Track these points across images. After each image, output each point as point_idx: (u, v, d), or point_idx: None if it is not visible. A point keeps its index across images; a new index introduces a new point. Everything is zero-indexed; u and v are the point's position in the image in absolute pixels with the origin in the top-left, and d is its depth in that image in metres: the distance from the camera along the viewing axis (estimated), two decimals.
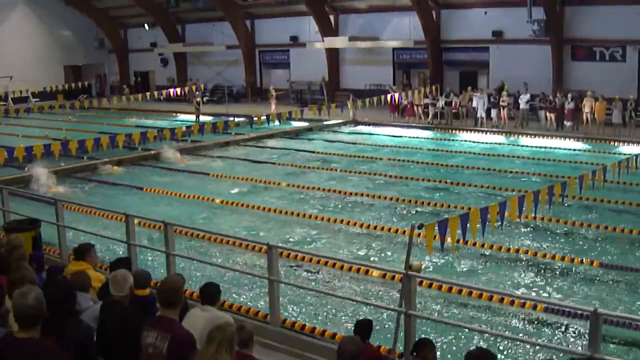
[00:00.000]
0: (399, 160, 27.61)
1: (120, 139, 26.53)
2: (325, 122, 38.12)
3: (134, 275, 7.65)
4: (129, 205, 19.50)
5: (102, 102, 43.52)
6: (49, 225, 13.61)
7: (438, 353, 8.80)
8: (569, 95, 33.28)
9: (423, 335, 9.38)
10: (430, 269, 14.48)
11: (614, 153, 27.80)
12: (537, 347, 10.76)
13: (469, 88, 37.54)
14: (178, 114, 45.85)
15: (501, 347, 10.81)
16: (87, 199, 21.34)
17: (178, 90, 43.92)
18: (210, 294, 7.42)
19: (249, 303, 12.81)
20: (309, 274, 14.66)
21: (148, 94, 44.28)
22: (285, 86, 48.51)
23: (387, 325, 11.41)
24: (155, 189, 23.03)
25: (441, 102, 37.01)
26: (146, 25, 56.61)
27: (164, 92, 43.89)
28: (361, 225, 18.10)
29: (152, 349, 6.31)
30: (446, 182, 23.13)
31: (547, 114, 33.88)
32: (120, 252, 13.95)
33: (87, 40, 59.69)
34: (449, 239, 11.64)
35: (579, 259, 14.94)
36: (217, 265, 14.31)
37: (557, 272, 14.47)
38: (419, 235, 11.34)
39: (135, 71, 60.57)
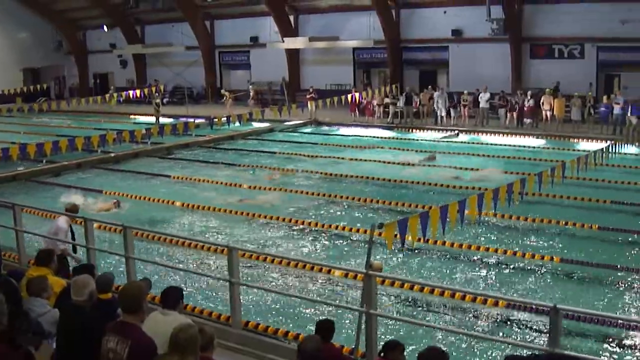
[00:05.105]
0: (359, 159, 27.66)
1: (79, 141, 26.27)
2: (286, 123, 38.14)
3: (96, 279, 7.61)
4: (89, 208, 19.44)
5: (61, 104, 43.06)
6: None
7: None
8: (528, 93, 33.64)
9: (384, 334, 9.39)
10: (392, 266, 14.54)
11: (573, 150, 28.09)
12: (499, 344, 10.83)
13: (429, 87, 37.82)
14: (137, 116, 45.49)
15: (462, 344, 10.86)
16: (46, 203, 21.04)
17: (137, 92, 43.56)
18: (172, 297, 7.37)
19: (210, 306, 12.72)
20: (271, 275, 14.64)
21: (107, 95, 43.93)
22: (246, 87, 48.37)
23: (349, 325, 11.42)
24: (115, 192, 22.79)
25: (401, 102, 37.14)
26: (105, 27, 56.08)
27: (123, 94, 43.51)
28: (322, 226, 18.11)
29: (112, 355, 6.26)
30: (407, 182, 23.22)
31: (507, 112, 34.22)
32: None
33: (45, 42, 58.89)
34: (409, 238, 11.65)
35: (540, 255, 15.10)
36: (177, 268, 14.23)
37: (518, 269, 14.59)
38: (379, 234, 11.36)
39: (94, 73, 59.96)
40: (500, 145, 30.59)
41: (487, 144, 31.21)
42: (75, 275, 7.97)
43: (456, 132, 33.40)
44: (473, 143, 31.53)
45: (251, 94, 46.13)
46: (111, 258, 14.67)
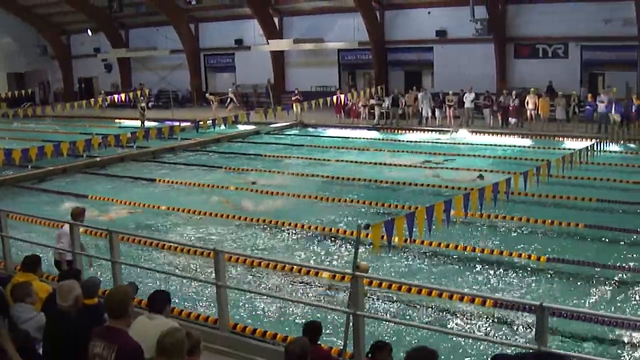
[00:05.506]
0: (345, 161, 27.68)
1: (65, 147, 26.15)
2: (271, 125, 38.14)
3: (81, 284, 7.58)
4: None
5: (46, 109, 42.88)
6: None
7: None
8: (513, 93, 33.76)
9: (369, 335, 9.38)
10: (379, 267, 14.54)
11: (558, 148, 28.19)
12: (486, 343, 10.84)
13: (414, 87, 37.90)
14: (123, 120, 45.30)
15: (450, 344, 10.87)
16: (32, 208, 20.92)
17: (123, 96, 43.42)
18: (158, 301, 7.32)
19: (203, 310, 12.69)
20: (258, 278, 14.61)
21: (92, 100, 43.74)
22: (231, 90, 48.30)
23: (337, 326, 11.41)
24: (101, 196, 22.70)
25: (387, 103, 37.19)
26: (89, 31, 55.89)
27: (108, 98, 43.35)
28: (309, 227, 18.09)
29: None
30: (392, 183, 23.24)
31: (492, 112, 34.31)
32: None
33: (29, 47, 58.52)
34: (396, 239, 11.67)
35: (527, 254, 15.13)
36: (164, 272, 14.18)
37: (504, 268, 14.62)
38: (366, 235, 11.36)
39: (79, 77, 59.69)
40: (486, 145, 30.68)
41: (472, 144, 31.29)
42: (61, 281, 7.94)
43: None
44: (458, 143, 31.56)
45: (231, 97, 44.97)
46: (97, 262, 14.61)
